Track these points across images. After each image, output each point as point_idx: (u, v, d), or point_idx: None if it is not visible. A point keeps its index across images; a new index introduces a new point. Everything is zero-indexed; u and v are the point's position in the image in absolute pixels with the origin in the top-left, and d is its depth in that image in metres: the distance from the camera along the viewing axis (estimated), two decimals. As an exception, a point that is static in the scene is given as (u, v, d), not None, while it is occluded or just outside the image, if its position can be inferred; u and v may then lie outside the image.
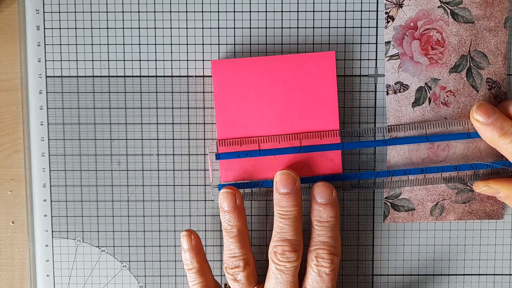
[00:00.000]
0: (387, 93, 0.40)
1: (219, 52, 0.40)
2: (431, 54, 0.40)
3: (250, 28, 0.40)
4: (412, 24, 0.40)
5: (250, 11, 0.40)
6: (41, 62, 0.40)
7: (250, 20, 0.40)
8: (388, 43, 0.40)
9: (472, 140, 0.40)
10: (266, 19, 0.40)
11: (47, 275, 0.41)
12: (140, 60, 0.40)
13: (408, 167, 0.40)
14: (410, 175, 0.40)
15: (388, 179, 0.40)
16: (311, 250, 0.37)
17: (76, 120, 0.41)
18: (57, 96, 0.40)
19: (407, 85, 0.40)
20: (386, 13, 0.40)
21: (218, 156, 0.39)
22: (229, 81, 0.39)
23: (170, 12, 0.40)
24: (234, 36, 0.40)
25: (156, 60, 0.40)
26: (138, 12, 0.40)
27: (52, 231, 0.41)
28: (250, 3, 0.40)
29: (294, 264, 0.37)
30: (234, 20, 0.40)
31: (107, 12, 0.40)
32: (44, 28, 0.40)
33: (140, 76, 0.40)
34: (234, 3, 0.40)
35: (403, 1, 0.39)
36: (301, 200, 0.38)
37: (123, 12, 0.40)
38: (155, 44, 0.40)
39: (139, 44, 0.40)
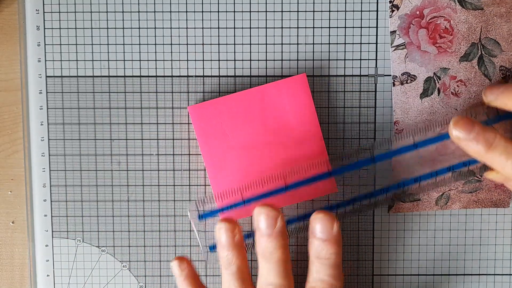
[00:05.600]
0: (394, 85, 0.39)
1: (219, 52, 0.40)
2: (439, 43, 0.39)
3: (250, 28, 0.40)
4: (418, 12, 0.39)
5: (250, 11, 0.40)
6: (41, 62, 0.40)
7: (250, 20, 0.40)
8: (393, 32, 0.39)
9: None
10: (266, 19, 0.40)
11: (47, 275, 0.41)
12: (140, 60, 0.40)
13: (416, 162, 0.39)
14: (422, 181, 0.38)
15: (400, 191, 0.38)
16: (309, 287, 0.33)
17: (76, 120, 0.41)
18: (57, 96, 0.40)
19: (414, 75, 0.39)
20: (390, 1, 0.39)
21: (201, 217, 0.37)
22: (209, 123, 0.39)
23: (170, 12, 0.40)
24: (234, 36, 0.40)
25: (156, 60, 0.40)
26: (138, 12, 0.40)
27: (52, 231, 0.41)
28: (250, 3, 0.40)
29: None
30: (234, 20, 0.40)
31: (107, 12, 0.40)
32: (44, 28, 0.40)
33: (140, 76, 0.40)
34: (234, 3, 0.40)
35: None
36: (287, 240, 0.34)
37: (123, 12, 0.40)
38: (155, 44, 0.40)
39: (139, 44, 0.40)
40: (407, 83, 0.39)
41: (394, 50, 0.39)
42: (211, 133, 0.39)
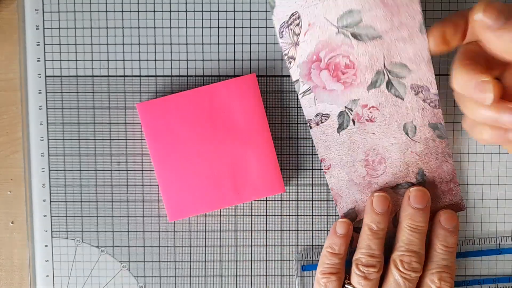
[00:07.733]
0: (311, 127, 0.39)
1: (219, 52, 0.40)
2: (343, 79, 0.38)
3: (250, 28, 0.40)
4: (314, 57, 0.38)
5: (250, 11, 0.40)
6: (40, 61, 0.40)
7: (250, 20, 0.40)
8: (297, 81, 0.39)
9: (407, 144, 0.39)
10: (265, 19, 0.40)
11: (47, 275, 0.41)
12: (140, 60, 0.40)
13: (352, 188, 0.40)
14: None
15: None
16: (434, 272, 0.38)
17: (76, 120, 0.41)
18: (56, 96, 0.40)
19: (327, 114, 0.39)
20: (285, 54, 0.38)
21: (304, 268, 0.41)
22: (158, 121, 0.39)
23: (170, 12, 0.40)
24: (234, 35, 0.40)
25: (156, 60, 0.40)
26: (138, 12, 0.40)
27: (52, 231, 0.41)
28: (250, 3, 0.40)
29: (418, 274, 0.38)
30: (234, 19, 0.40)
31: (107, 12, 0.40)
32: (44, 28, 0.40)
33: (140, 76, 0.40)
34: (234, 3, 0.40)
35: (298, 40, 0.38)
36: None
37: (123, 12, 0.40)
38: (155, 44, 0.40)
39: (139, 44, 0.40)
40: (322, 122, 0.39)
41: (303, 96, 0.39)
42: (160, 131, 0.39)
